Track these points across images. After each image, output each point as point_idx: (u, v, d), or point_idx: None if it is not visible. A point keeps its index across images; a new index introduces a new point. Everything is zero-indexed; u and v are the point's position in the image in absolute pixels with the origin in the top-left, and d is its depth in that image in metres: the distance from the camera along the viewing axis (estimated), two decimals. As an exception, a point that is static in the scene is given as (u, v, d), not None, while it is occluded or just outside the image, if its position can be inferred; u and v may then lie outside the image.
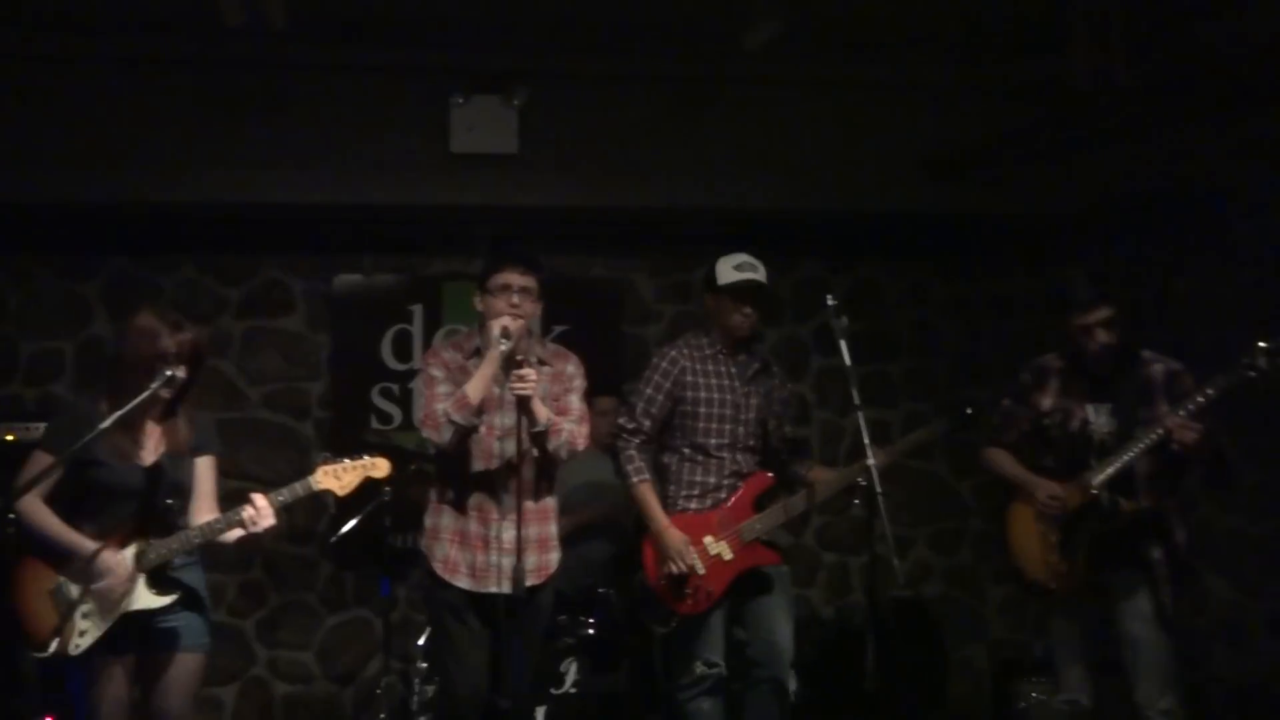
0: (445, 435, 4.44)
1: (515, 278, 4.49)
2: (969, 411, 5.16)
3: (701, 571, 4.82)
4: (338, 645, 7.14)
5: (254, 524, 3.99)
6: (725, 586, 4.87)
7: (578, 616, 5.84)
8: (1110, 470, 4.54)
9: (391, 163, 6.62)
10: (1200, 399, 4.36)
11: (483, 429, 4.49)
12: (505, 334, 4.35)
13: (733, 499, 4.93)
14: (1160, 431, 4.41)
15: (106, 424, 3.85)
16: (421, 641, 5.87)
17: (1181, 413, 4.37)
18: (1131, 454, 4.51)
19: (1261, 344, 4.28)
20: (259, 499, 4.01)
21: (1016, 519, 4.88)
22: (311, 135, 6.52)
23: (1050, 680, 5.21)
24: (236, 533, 4.05)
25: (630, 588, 5.75)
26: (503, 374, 4.39)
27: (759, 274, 4.97)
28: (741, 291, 4.94)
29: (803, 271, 7.68)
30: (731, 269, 4.96)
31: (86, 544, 3.94)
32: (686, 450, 4.96)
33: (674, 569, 4.79)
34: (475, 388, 4.41)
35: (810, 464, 5.26)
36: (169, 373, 3.93)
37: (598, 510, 6.21)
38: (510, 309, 4.46)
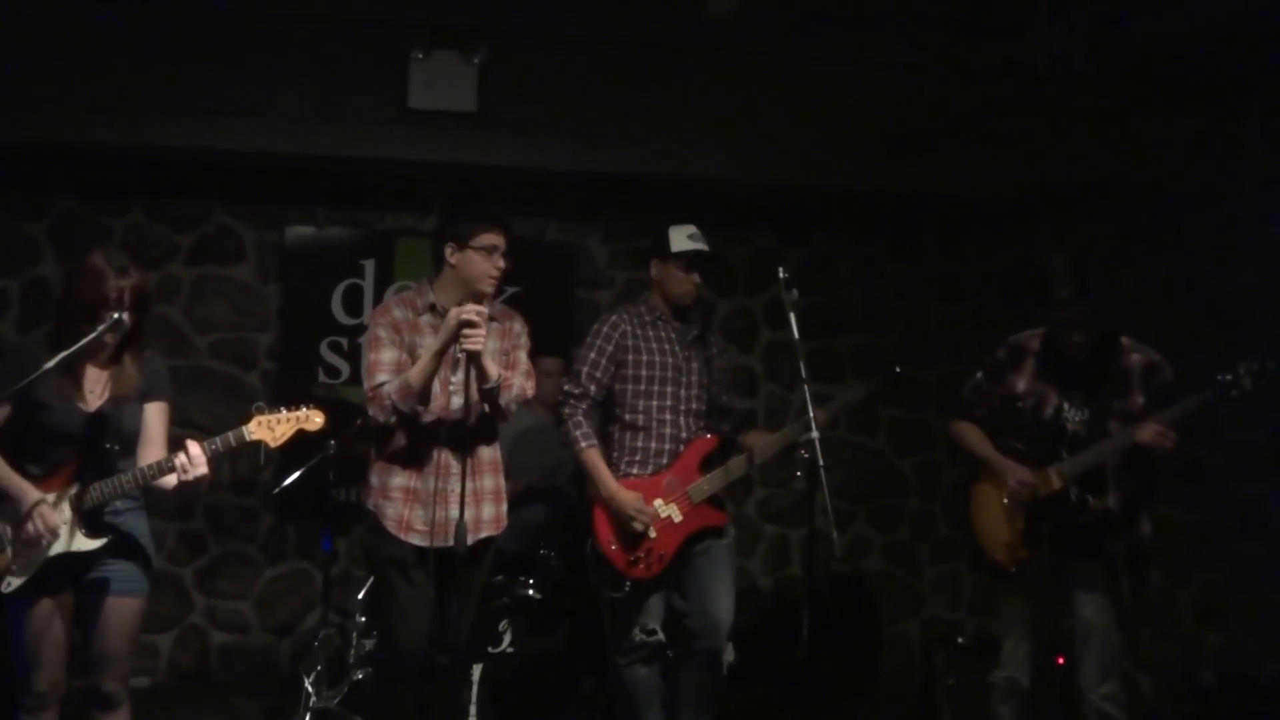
0: (389, 418, 4.44)
1: (501, 240, 4.46)
2: (897, 370, 5.18)
3: (654, 535, 4.86)
4: (276, 596, 7.14)
5: (185, 471, 3.97)
6: (676, 548, 4.90)
7: (516, 576, 5.87)
8: (1081, 467, 4.53)
9: (348, 115, 6.56)
10: (1179, 410, 4.35)
11: (436, 384, 4.46)
12: (469, 326, 4.23)
13: (678, 462, 4.96)
14: (1133, 438, 4.38)
15: (49, 365, 3.84)
16: (361, 596, 5.87)
17: (1157, 423, 4.33)
18: (1103, 452, 4.50)
19: (1245, 363, 4.27)
20: (192, 446, 3.98)
21: (981, 498, 4.86)
22: (268, 83, 6.45)
23: (983, 658, 5.27)
24: (174, 479, 4.03)
25: (569, 550, 5.79)
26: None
27: (707, 245, 5.02)
28: (692, 260, 4.98)
29: (756, 243, 7.72)
30: (685, 238, 4.99)
31: (30, 493, 3.93)
32: (628, 417, 4.98)
33: (637, 526, 4.82)
34: (418, 373, 4.36)
35: (746, 430, 5.31)
36: (115, 316, 3.91)
37: (537, 475, 6.24)
38: (495, 269, 4.44)
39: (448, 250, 4.52)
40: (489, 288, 4.48)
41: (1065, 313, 4.54)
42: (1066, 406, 4.64)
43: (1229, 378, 4.29)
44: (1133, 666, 6.23)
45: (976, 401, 4.92)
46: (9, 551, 3.95)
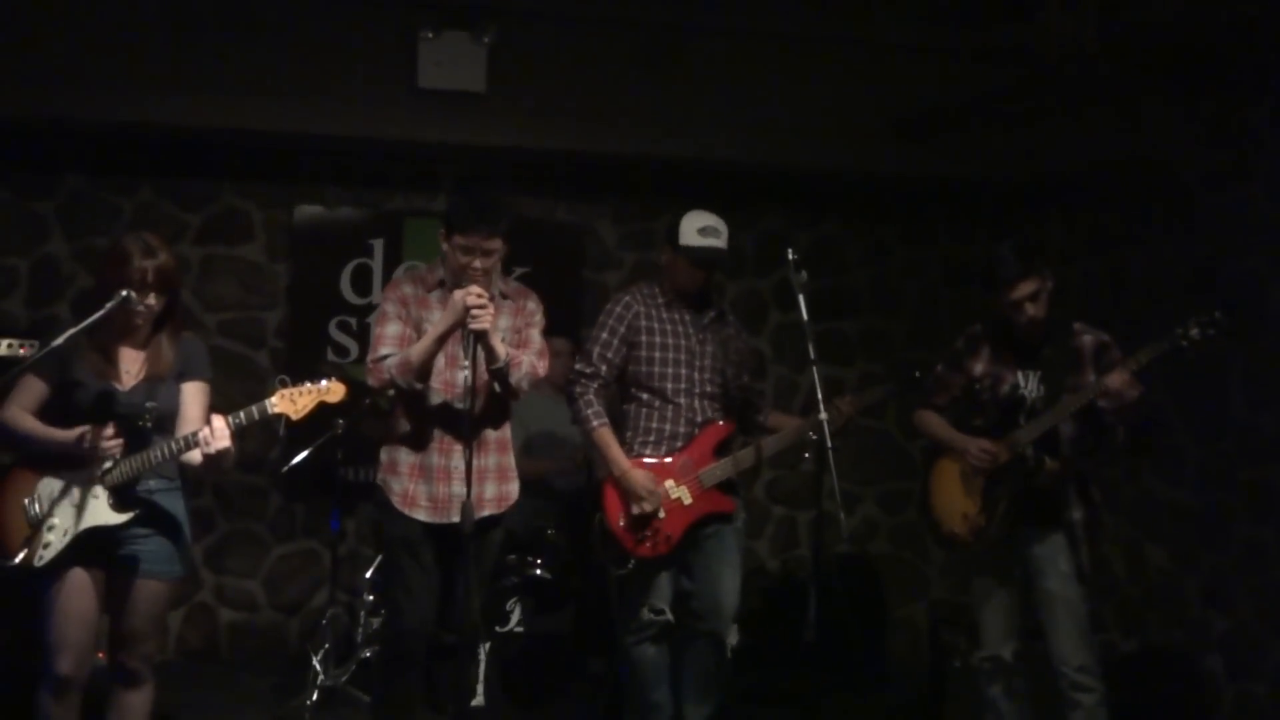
0: (387, 390, 4.45)
1: (481, 241, 4.37)
2: (916, 374, 5.22)
3: (662, 515, 4.86)
4: (285, 575, 7.16)
5: (207, 445, 3.98)
6: (684, 530, 4.90)
7: (525, 557, 5.87)
8: (1039, 430, 4.59)
9: (358, 95, 6.56)
10: (1134, 364, 4.42)
11: (443, 360, 4.44)
12: (477, 308, 4.21)
13: (693, 445, 4.95)
14: (1092, 396, 4.47)
15: (56, 343, 3.87)
16: (369, 574, 5.89)
17: (1126, 373, 4.43)
18: (1060, 416, 4.57)
19: (1195, 314, 4.39)
20: (216, 420, 4.00)
21: (940, 474, 4.92)
22: (278, 62, 6.45)
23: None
24: (198, 455, 4.04)
25: (578, 531, 5.80)
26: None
27: (721, 240, 4.93)
28: (699, 257, 4.94)
29: (765, 225, 7.70)
30: (695, 232, 4.90)
31: (71, 431, 3.96)
32: (645, 396, 4.97)
33: (645, 507, 4.82)
34: (420, 350, 4.34)
35: (769, 411, 5.30)
36: (124, 294, 3.92)
37: (555, 464, 6.24)
38: (470, 270, 4.37)
39: (440, 235, 4.51)
40: (472, 284, 4.33)
41: (1017, 292, 4.61)
42: (1023, 383, 4.74)
43: (1179, 329, 4.39)
44: (1139, 647, 6.25)
45: (936, 390, 5.01)
46: (42, 529, 3.97)
